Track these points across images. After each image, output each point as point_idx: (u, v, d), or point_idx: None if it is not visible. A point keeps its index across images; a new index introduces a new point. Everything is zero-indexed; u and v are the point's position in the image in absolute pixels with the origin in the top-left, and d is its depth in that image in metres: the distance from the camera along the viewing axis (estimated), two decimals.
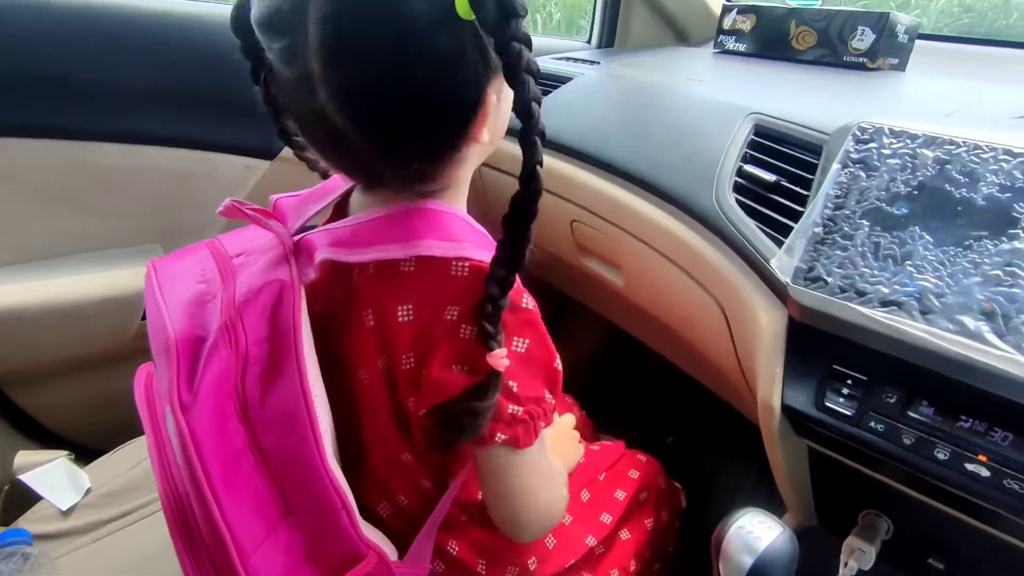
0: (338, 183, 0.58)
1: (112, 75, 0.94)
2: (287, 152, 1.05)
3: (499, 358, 0.45)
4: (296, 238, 0.52)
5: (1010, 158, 0.52)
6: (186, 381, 0.45)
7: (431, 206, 0.49)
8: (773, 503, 0.73)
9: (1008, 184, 0.51)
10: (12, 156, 0.91)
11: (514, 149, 0.41)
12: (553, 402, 0.53)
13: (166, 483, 0.48)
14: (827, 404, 0.55)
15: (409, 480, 0.59)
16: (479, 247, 0.49)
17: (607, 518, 0.73)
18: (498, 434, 0.50)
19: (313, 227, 0.54)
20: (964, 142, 0.54)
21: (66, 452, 0.88)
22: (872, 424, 0.53)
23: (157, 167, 1.00)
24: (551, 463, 0.65)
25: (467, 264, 0.47)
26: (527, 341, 0.50)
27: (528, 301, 0.49)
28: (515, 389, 0.50)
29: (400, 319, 0.49)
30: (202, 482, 0.43)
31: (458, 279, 0.48)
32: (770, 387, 0.60)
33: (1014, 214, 0.50)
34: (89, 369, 1.02)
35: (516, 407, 0.50)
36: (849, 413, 0.54)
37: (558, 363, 0.52)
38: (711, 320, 0.74)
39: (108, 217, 1.00)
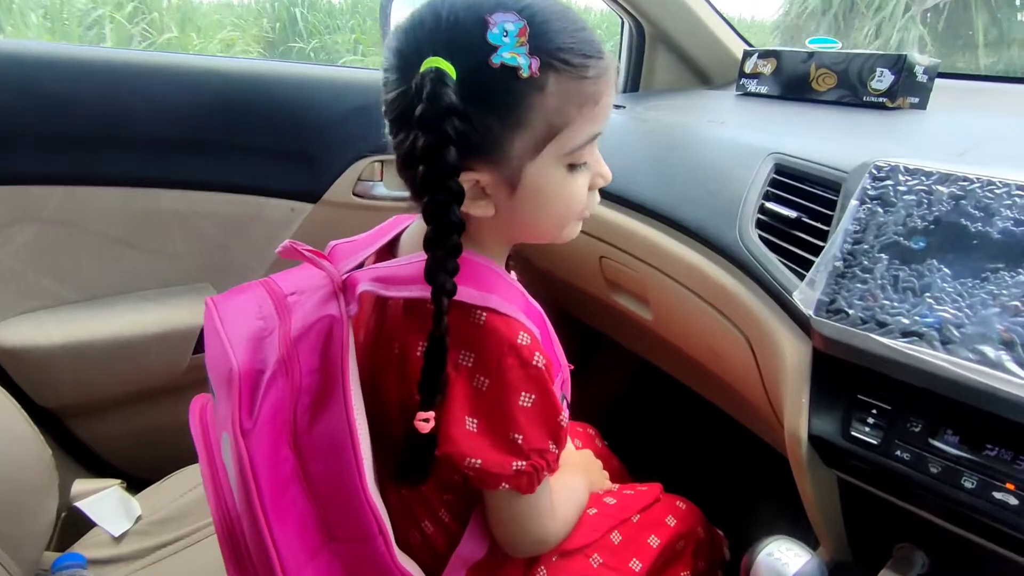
0: (390, 228, 0.62)
1: (168, 127, 1.02)
2: (330, 195, 1.13)
3: (421, 419, 0.49)
4: (344, 276, 0.55)
5: (1023, 193, 0.54)
6: (248, 409, 0.49)
7: (467, 255, 0.52)
8: (812, 539, 0.73)
9: (1022, 218, 0.53)
10: (78, 203, 1.00)
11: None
12: (557, 451, 0.55)
13: (219, 506, 0.51)
14: (853, 433, 0.56)
15: (428, 508, 0.62)
16: (507, 300, 0.53)
17: (636, 565, 0.70)
18: (503, 484, 0.53)
19: (362, 266, 0.58)
20: (978, 178, 0.56)
21: (119, 481, 0.92)
22: (898, 453, 0.54)
23: (209, 211, 1.07)
24: (570, 485, 0.69)
25: (485, 315, 0.51)
26: (534, 396, 0.52)
27: (539, 359, 0.52)
28: (519, 441, 0.52)
29: (419, 353, 0.52)
30: (255, 503, 0.47)
31: (475, 327, 0.51)
32: (797, 417, 0.61)
33: None
34: (142, 402, 1.07)
35: (520, 462, 0.52)
36: (875, 442, 0.55)
37: (563, 418, 0.55)
38: (738, 352, 0.75)
39: (164, 258, 1.07)
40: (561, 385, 0.58)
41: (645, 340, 1.13)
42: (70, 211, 0.99)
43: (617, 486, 0.82)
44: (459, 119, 0.44)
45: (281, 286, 0.58)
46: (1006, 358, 0.49)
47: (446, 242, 0.47)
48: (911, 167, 0.60)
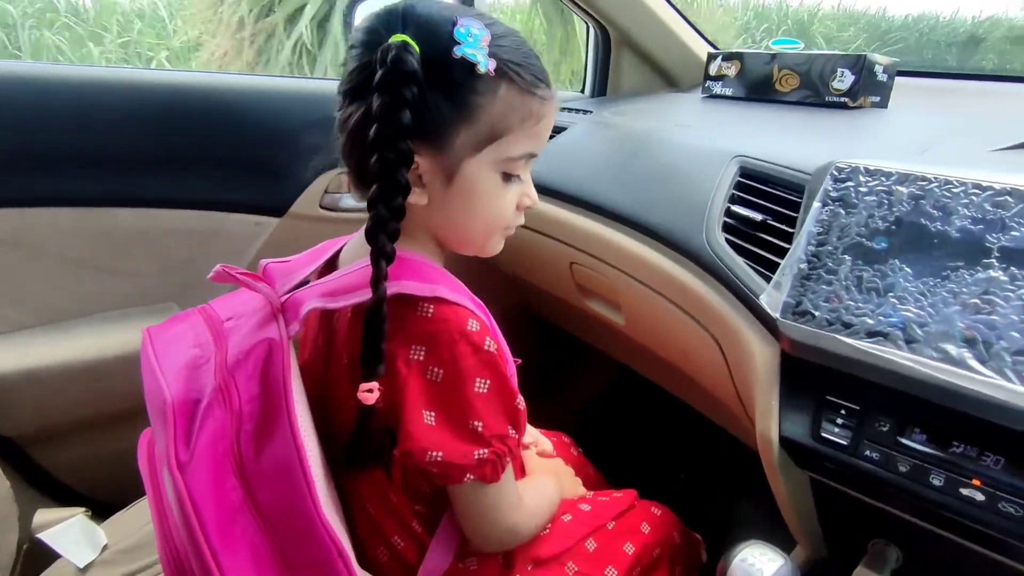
0: (327, 248, 0.62)
1: (124, 144, 1.00)
2: (296, 208, 1.11)
3: (364, 390, 0.49)
4: (284, 298, 0.55)
5: (979, 191, 0.54)
6: (183, 441, 0.47)
7: (408, 255, 0.54)
8: (789, 537, 0.74)
9: (979, 216, 0.54)
10: (33, 224, 0.97)
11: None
12: (517, 437, 0.56)
13: (166, 546, 0.49)
14: (823, 434, 0.57)
15: (399, 521, 0.61)
16: (453, 291, 0.54)
17: (612, 572, 0.69)
18: (468, 475, 0.53)
19: (303, 285, 0.57)
20: (936, 178, 0.57)
21: (83, 509, 0.89)
22: (867, 453, 0.54)
23: (170, 229, 1.05)
24: (538, 483, 0.69)
25: (433, 307, 0.52)
26: (488, 381, 0.53)
27: (490, 344, 0.53)
28: (480, 429, 0.53)
29: None
30: (199, 540, 0.45)
31: (424, 320, 0.52)
32: (768, 419, 0.61)
33: (987, 245, 0.52)
34: (105, 426, 1.03)
35: (482, 450, 0.53)
36: (845, 443, 0.55)
37: (520, 402, 0.56)
38: (708, 355, 0.76)
39: (125, 278, 1.04)
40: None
41: (619, 344, 1.13)
42: (25, 233, 0.95)
43: (592, 493, 0.81)
44: (417, 88, 0.47)
45: (218, 312, 0.58)
46: (968, 355, 0.49)
47: (391, 202, 0.49)
48: (871, 168, 0.61)
